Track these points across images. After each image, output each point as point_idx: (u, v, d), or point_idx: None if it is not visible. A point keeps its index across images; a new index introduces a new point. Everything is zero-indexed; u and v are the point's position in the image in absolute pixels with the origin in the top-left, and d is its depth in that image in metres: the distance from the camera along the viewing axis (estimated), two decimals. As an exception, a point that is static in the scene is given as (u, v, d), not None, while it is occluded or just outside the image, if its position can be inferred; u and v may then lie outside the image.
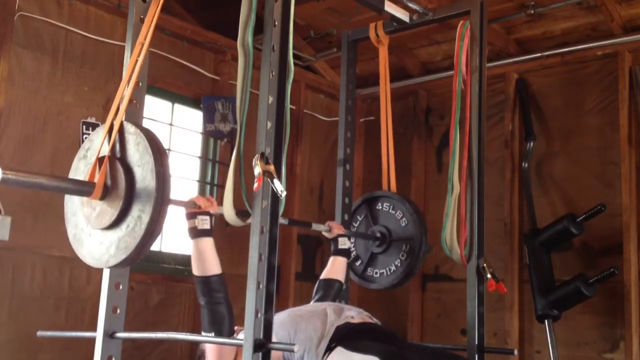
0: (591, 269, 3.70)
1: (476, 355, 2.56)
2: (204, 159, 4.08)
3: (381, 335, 2.28)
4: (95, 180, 1.81)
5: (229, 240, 3.85)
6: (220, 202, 2.06)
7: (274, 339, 1.97)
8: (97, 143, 1.89)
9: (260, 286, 1.81)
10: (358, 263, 3.09)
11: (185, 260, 3.68)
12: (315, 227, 2.88)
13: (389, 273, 3.00)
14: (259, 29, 1.98)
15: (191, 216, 2.14)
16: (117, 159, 1.82)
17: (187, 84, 3.95)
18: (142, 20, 2.04)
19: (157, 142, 1.79)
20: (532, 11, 3.70)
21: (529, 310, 3.91)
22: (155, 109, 3.85)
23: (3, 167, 1.61)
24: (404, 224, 2.99)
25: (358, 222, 3.14)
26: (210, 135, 4.01)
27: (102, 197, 1.80)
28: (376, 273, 3.04)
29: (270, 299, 1.82)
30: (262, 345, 1.77)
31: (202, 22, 4.06)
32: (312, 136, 4.66)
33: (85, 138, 3.41)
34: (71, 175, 1.94)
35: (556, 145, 4.08)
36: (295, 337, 2.22)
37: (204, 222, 2.13)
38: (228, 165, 2.01)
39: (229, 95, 4.02)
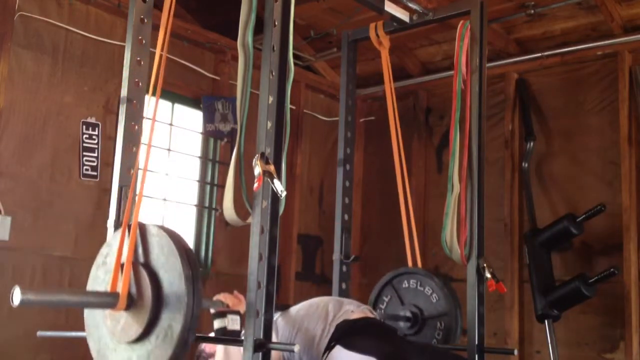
0: (591, 269, 3.70)
1: (476, 355, 2.56)
2: (204, 159, 4.08)
3: (381, 332, 2.27)
4: (118, 289, 1.66)
5: (229, 240, 3.85)
6: (220, 202, 2.06)
7: (274, 338, 1.97)
8: (115, 248, 1.73)
9: (260, 286, 1.81)
10: None
11: (185, 260, 3.67)
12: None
13: None
14: (259, 29, 1.98)
15: (219, 315, 2.03)
16: (140, 264, 1.68)
17: (187, 84, 3.95)
18: (142, 21, 2.03)
19: (182, 242, 1.67)
20: (532, 11, 3.70)
21: (529, 310, 3.90)
22: (155, 109, 3.84)
23: (21, 289, 1.48)
24: (434, 300, 2.77)
25: (385, 304, 2.93)
26: (210, 135, 4.01)
27: (127, 308, 1.66)
28: None
29: (270, 299, 1.81)
30: (262, 345, 1.77)
31: (202, 22, 4.05)
32: (312, 136, 4.66)
33: (85, 138, 3.45)
34: (90, 285, 1.82)
35: (556, 145, 4.07)
36: (296, 336, 2.22)
37: (235, 323, 2.02)
38: (228, 165, 2.01)
39: (229, 95, 4.02)
